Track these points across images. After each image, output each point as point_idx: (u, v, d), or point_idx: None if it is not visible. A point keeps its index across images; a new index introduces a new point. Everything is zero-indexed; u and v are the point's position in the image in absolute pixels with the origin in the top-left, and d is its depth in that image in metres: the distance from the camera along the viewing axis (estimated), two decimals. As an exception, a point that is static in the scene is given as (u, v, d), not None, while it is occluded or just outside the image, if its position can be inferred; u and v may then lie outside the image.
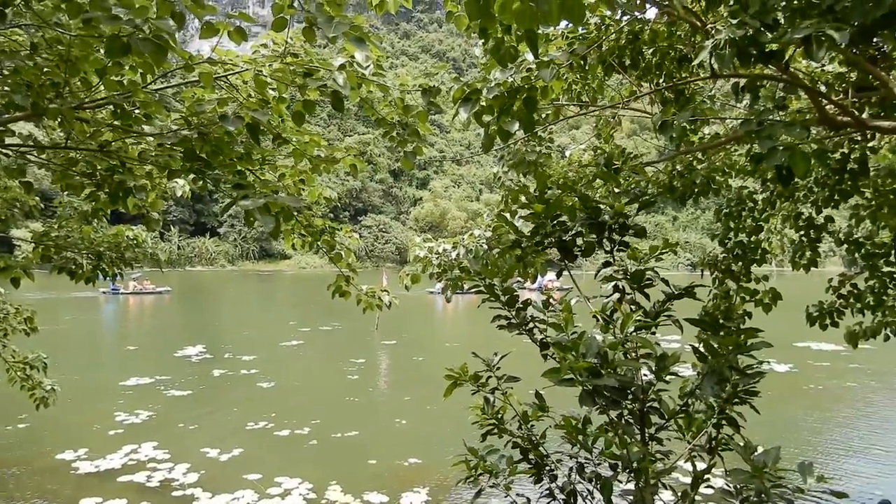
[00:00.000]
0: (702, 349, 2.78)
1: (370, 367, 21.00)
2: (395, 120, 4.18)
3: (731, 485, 2.68)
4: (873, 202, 6.42)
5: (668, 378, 2.84)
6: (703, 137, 6.16)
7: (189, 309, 42.15)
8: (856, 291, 6.52)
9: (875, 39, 4.68)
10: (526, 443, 3.28)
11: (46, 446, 11.86)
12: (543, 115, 5.71)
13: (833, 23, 2.72)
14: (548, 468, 3.27)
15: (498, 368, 3.37)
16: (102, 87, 3.49)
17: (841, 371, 19.38)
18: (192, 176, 3.69)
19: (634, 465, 2.80)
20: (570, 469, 3.20)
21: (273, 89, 3.94)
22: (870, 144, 6.04)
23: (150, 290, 48.15)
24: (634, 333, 2.76)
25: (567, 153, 6.40)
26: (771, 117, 2.91)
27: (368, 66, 3.60)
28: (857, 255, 6.60)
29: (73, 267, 5.55)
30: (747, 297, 6.54)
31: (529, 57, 3.58)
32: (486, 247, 5.44)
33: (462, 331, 31.08)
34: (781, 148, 2.70)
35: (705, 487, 2.98)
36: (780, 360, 20.23)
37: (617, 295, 3.13)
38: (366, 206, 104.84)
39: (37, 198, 5.96)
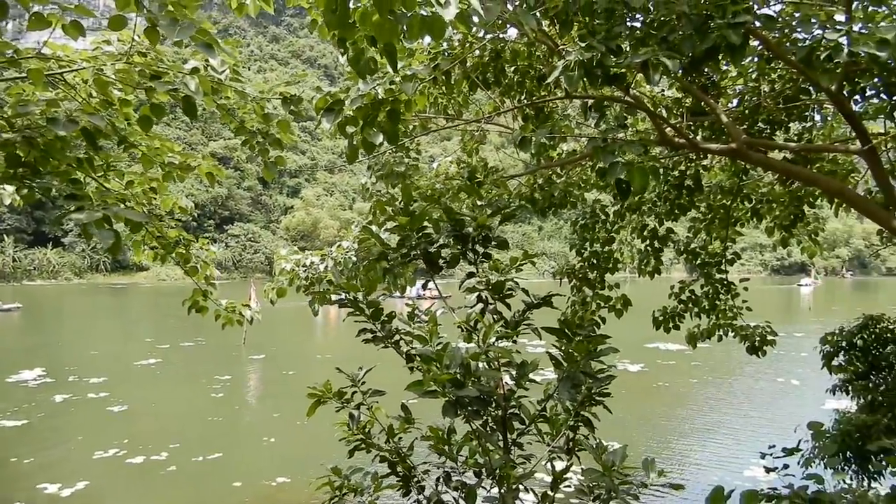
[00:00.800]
0: (559, 356, 2.92)
1: (236, 383, 19.98)
2: (255, 128, 4.00)
3: (585, 483, 2.82)
4: (707, 215, 7.15)
5: (529, 384, 2.94)
6: (561, 153, 6.52)
7: (33, 328, 37.65)
8: (694, 297, 7.19)
9: (706, 70, 5.23)
10: (393, 456, 3.25)
11: None
12: (411, 128, 5.76)
13: (667, 52, 2.99)
14: (415, 480, 3.26)
15: (363, 383, 3.32)
16: None
17: (685, 369, 21.31)
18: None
19: (497, 471, 2.87)
20: (438, 479, 3.22)
21: (119, 90, 3.62)
22: (704, 163, 6.71)
23: None
24: (495, 343, 2.83)
25: (435, 164, 6.49)
26: (616, 135, 3.14)
27: (224, 70, 3.41)
28: (694, 263, 7.31)
29: None
30: (602, 304, 7.00)
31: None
32: (354, 259, 5.37)
33: (336, 341, 30.46)
34: (621, 163, 2.93)
35: (566, 487, 3.12)
36: (633, 360, 21.85)
37: (480, 305, 3.20)
38: (233, 215, 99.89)
39: None
